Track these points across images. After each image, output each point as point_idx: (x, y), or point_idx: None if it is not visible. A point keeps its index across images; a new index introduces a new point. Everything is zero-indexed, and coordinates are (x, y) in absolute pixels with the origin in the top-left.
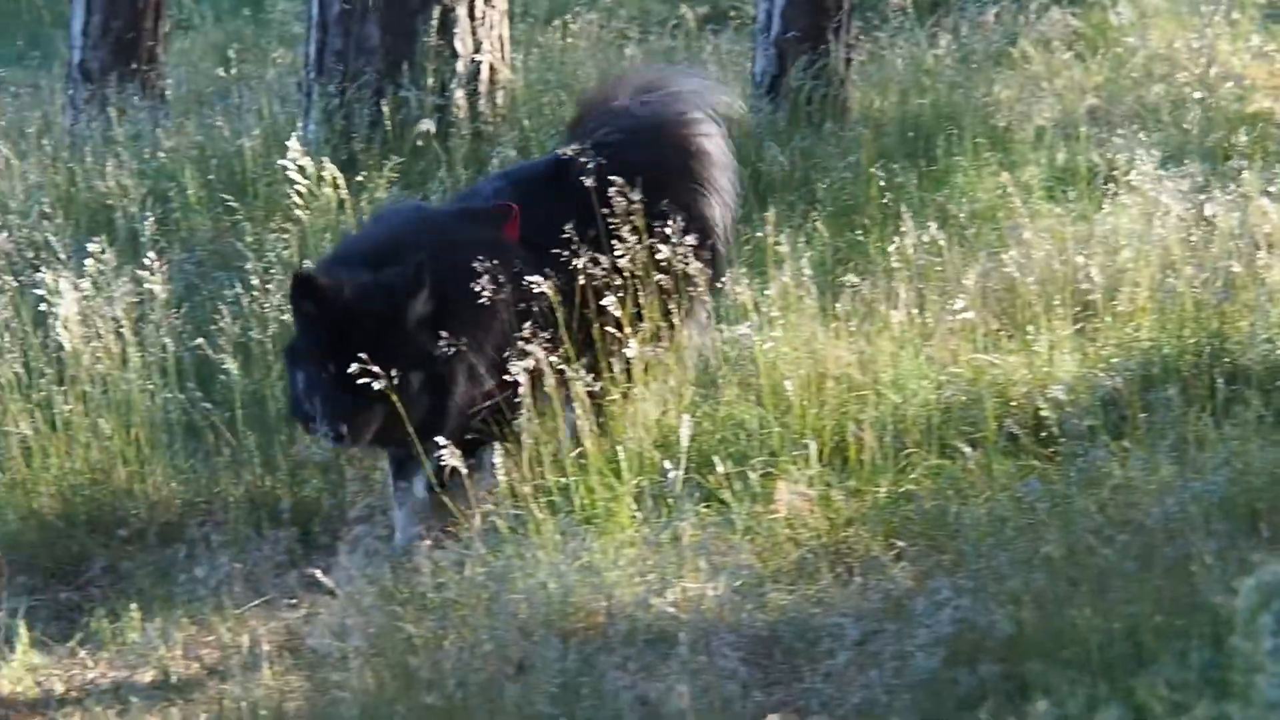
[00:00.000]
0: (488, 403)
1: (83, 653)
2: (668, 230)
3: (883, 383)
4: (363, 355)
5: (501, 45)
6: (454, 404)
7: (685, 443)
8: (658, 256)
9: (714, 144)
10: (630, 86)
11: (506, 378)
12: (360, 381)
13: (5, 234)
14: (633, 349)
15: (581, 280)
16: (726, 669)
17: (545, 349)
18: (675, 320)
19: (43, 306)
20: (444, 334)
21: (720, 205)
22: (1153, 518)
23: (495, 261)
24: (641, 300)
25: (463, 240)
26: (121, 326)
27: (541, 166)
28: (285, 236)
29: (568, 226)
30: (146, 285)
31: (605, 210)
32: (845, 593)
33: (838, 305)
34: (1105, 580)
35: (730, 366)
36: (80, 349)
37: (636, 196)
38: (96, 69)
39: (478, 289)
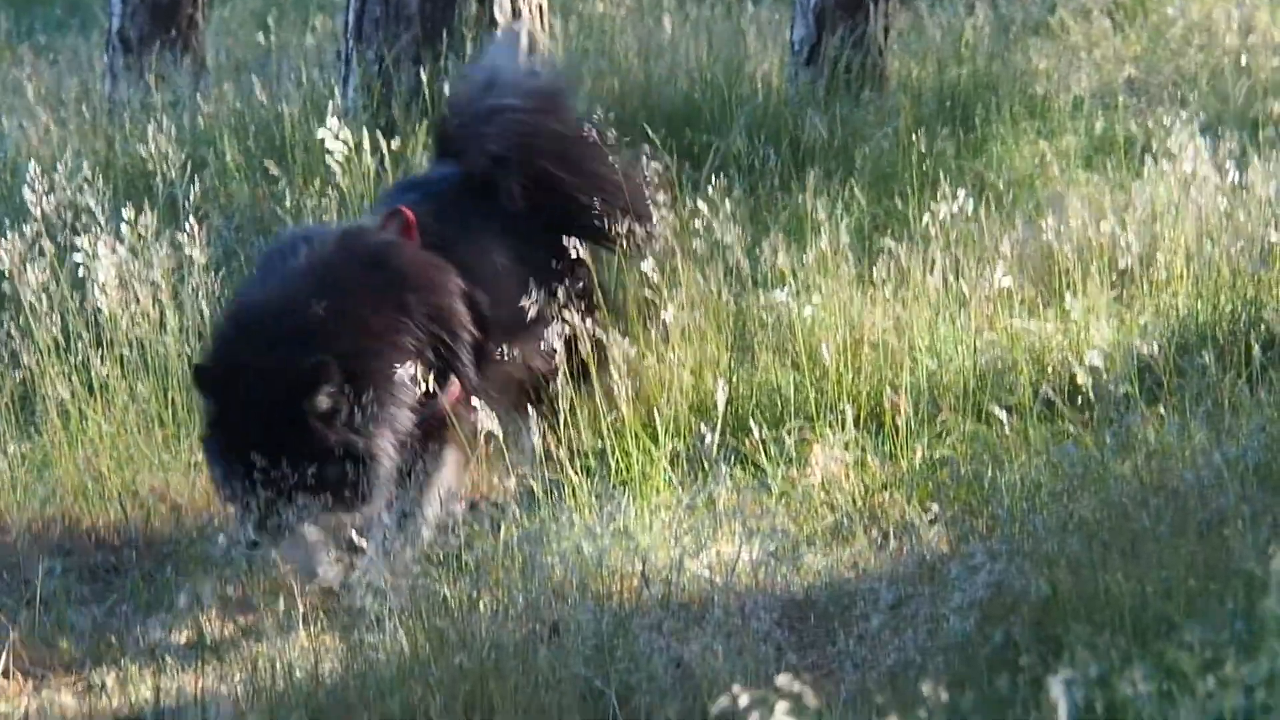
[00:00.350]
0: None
1: (119, 613)
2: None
3: (919, 348)
4: (270, 453)
5: (540, 13)
6: (380, 471)
7: (721, 407)
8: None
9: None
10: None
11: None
12: (272, 481)
13: (45, 197)
14: (669, 313)
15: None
16: (760, 632)
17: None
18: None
19: (81, 270)
20: (353, 410)
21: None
22: (1187, 483)
23: (400, 304)
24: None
25: (365, 294)
26: (160, 291)
27: (454, 179)
28: (324, 203)
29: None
30: (185, 250)
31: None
32: (880, 556)
33: (875, 271)
34: (1139, 544)
35: (767, 331)
36: (118, 312)
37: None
38: (135, 37)
39: (385, 350)
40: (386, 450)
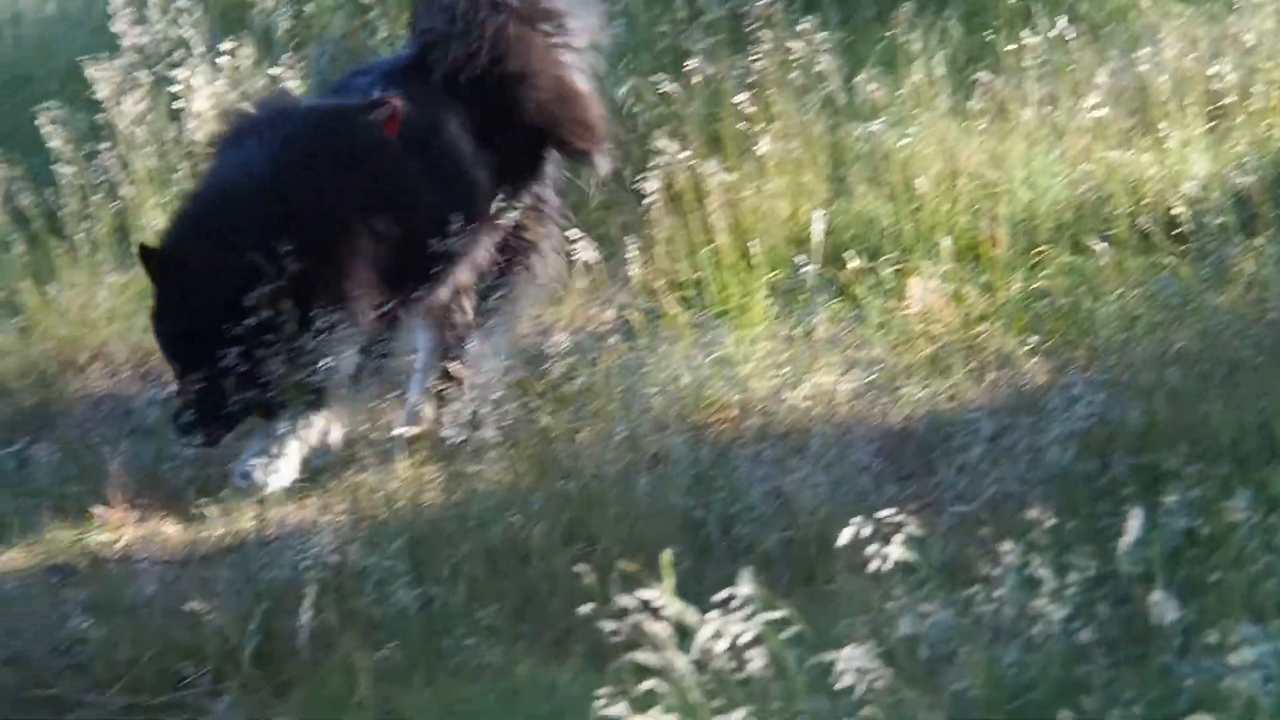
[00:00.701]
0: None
1: (222, 442)
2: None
3: (1015, 180)
4: (201, 349)
5: None
6: (323, 375)
7: (818, 238)
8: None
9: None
10: None
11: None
12: (204, 377)
13: (142, 29)
14: (766, 145)
15: None
16: (860, 463)
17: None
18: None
19: (179, 101)
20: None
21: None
22: None
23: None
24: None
25: (338, 191)
26: None
27: (408, 60)
28: None
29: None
30: (280, 81)
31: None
32: (978, 388)
33: (970, 103)
34: (1236, 374)
35: (863, 163)
36: None
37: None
38: None
39: (348, 251)
40: (333, 353)
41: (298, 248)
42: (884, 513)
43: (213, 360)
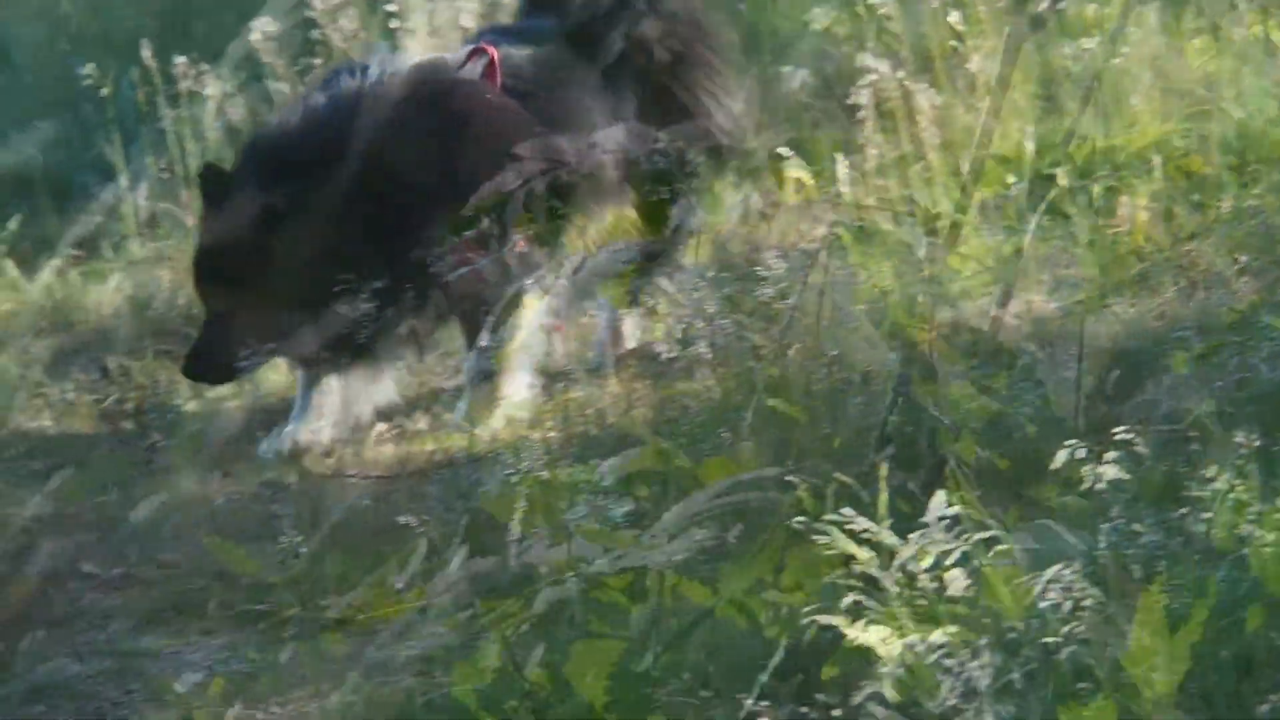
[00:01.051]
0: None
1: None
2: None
3: (1227, 98)
4: (222, 284)
5: None
6: (387, 325)
7: (1029, 155)
8: None
9: None
10: None
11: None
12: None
13: None
14: (976, 62)
15: None
16: (1069, 380)
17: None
18: None
19: (394, 22)
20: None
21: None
22: None
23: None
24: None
25: (408, 131)
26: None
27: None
28: None
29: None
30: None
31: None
32: (1188, 306)
33: (1182, 21)
34: None
35: (1074, 81)
36: None
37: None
38: None
39: (410, 197)
40: (359, 308)
41: (356, 181)
42: (1093, 431)
43: (243, 291)
